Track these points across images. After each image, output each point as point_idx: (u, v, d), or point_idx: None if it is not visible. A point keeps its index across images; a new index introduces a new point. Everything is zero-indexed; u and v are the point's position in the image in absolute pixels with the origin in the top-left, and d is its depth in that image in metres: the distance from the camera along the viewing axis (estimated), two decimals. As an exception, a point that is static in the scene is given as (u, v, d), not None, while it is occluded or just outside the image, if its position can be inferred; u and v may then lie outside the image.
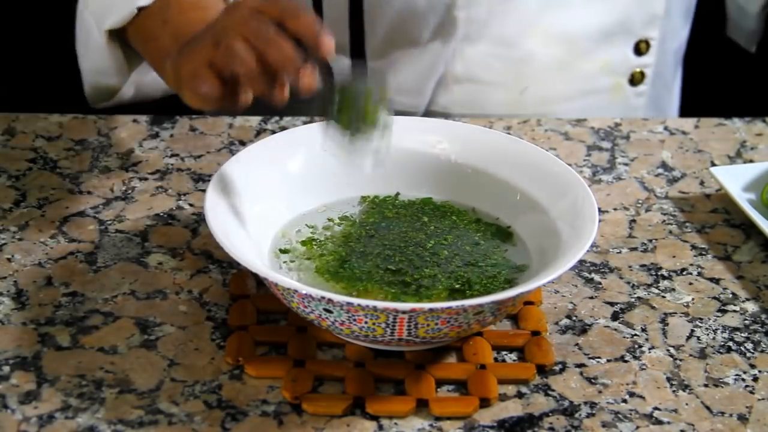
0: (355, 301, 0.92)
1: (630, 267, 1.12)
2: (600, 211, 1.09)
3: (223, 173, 1.05)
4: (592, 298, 1.09)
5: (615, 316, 1.07)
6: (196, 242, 1.12)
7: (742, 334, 1.05)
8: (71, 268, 1.09)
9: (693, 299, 1.09)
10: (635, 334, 1.05)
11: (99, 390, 0.97)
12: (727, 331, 1.06)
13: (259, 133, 1.28)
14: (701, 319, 1.07)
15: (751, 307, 1.08)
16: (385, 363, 1.00)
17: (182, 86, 1.01)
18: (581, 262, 1.11)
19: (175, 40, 1.06)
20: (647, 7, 1.37)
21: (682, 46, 1.48)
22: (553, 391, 0.99)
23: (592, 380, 1.00)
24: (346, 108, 0.99)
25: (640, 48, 1.39)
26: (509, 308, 1.00)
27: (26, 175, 1.20)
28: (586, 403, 0.98)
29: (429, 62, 1.35)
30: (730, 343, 1.04)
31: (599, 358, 1.02)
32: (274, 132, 1.25)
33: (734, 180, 1.19)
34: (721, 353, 1.03)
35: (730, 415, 0.98)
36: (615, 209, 1.20)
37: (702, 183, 1.24)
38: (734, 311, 1.08)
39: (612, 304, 1.08)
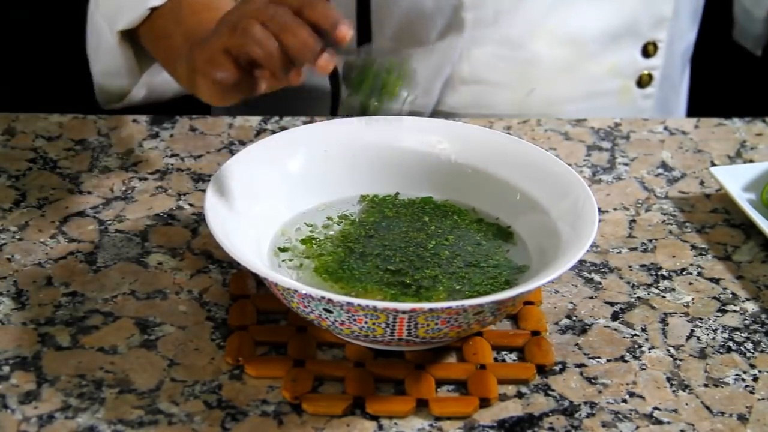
0: (355, 301, 0.92)
1: (630, 267, 1.12)
2: (600, 211, 1.09)
3: (223, 173, 1.05)
4: (592, 298, 1.09)
5: (615, 316, 1.07)
6: (196, 242, 1.12)
7: (742, 334, 1.05)
8: (71, 268, 1.09)
9: (693, 299, 1.09)
10: (635, 334, 1.05)
11: (99, 390, 0.97)
12: (727, 331, 1.06)
13: (259, 133, 1.28)
14: (701, 319, 1.07)
15: (751, 307, 1.08)
16: (385, 363, 1.00)
17: (197, 76, 1.00)
18: (581, 262, 1.11)
19: (188, 41, 1.06)
20: (655, 9, 1.37)
21: (689, 48, 1.48)
22: (553, 391, 0.99)
23: (592, 380, 1.00)
24: (366, 79, 1.00)
25: (648, 50, 1.39)
26: (509, 308, 1.00)
27: (26, 175, 1.20)
28: (586, 403, 0.98)
29: (436, 63, 1.35)
30: (730, 343, 1.04)
31: (599, 358, 1.02)
32: (274, 132, 1.25)
33: (734, 180, 1.19)
34: (721, 353, 1.03)
35: (730, 415, 0.98)
36: (615, 209, 1.20)
37: (702, 183, 1.24)
38: (734, 311, 1.08)
39: (612, 304, 1.08)
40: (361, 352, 1.00)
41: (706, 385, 1.00)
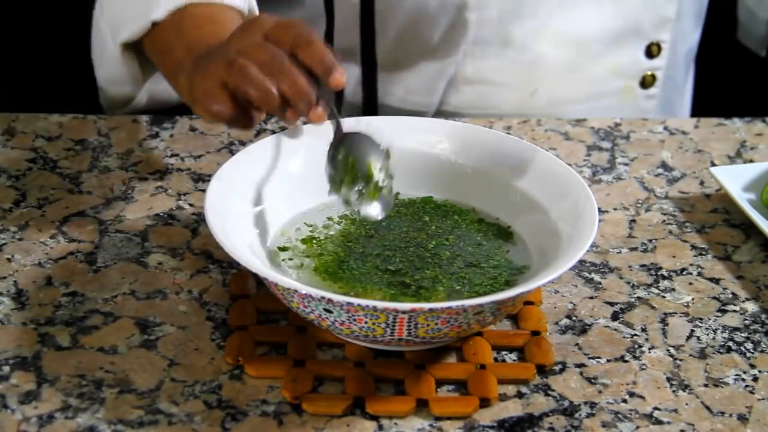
0: (355, 301, 0.92)
1: (630, 267, 1.12)
2: (600, 211, 1.09)
3: (223, 173, 1.05)
4: (592, 298, 1.09)
5: (615, 316, 1.07)
6: (196, 242, 1.12)
7: (742, 334, 1.05)
8: (71, 268, 1.09)
9: (693, 299, 1.09)
10: (635, 334, 1.05)
11: (99, 390, 0.97)
12: (727, 331, 1.06)
13: (259, 133, 1.28)
14: (701, 319, 1.07)
15: (751, 307, 1.08)
16: (385, 363, 1.00)
17: (195, 103, 1.03)
18: (581, 262, 1.11)
19: (190, 53, 1.07)
20: (658, 10, 1.37)
21: (693, 48, 1.48)
22: (553, 391, 0.99)
23: (592, 380, 1.00)
24: (348, 180, 1.02)
25: (652, 51, 1.39)
26: (509, 308, 1.00)
27: (26, 175, 1.20)
28: (586, 403, 0.98)
29: (439, 64, 1.35)
30: (730, 343, 1.04)
31: (599, 358, 1.02)
32: (274, 132, 1.25)
33: (734, 180, 1.19)
34: (721, 353, 1.03)
35: (730, 415, 0.98)
36: (615, 209, 1.20)
37: (702, 183, 1.24)
38: (734, 311, 1.08)
39: (612, 304, 1.08)
40: (361, 352, 1.00)
41: (706, 385, 1.00)
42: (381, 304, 0.92)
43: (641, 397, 0.99)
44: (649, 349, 1.03)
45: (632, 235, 1.16)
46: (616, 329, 1.05)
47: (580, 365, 1.01)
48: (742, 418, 0.97)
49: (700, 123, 1.33)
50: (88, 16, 1.27)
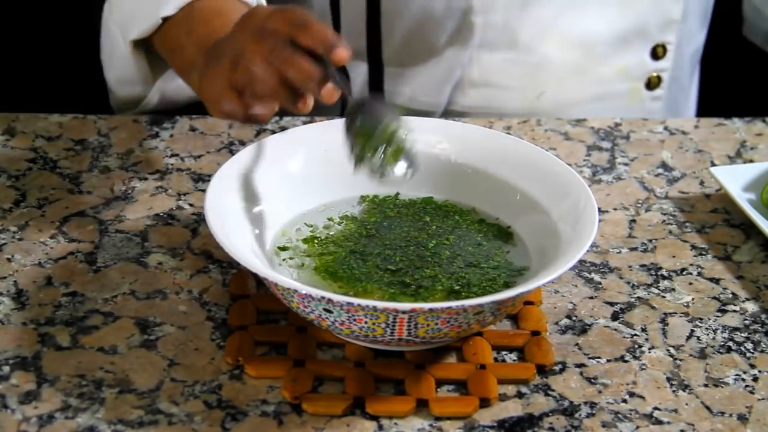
0: (355, 301, 0.92)
1: (630, 267, 1.12)
2: (600, 211, 1.09)
3: (223, 173, 1.05)
4: (592, 298, 1.09)
5: (615, 316, 1.07)
6: (196, 242, 1.12)
7: (742, 334, 1.05)
8: (71, 268, 1.09)
9: (693, 299, 1.09)
10: (635, 334, 1.05)
11: (99, 390, 0.97)
12: (727, 331, 1.06)
13: (259, 133, 1.28)
14: (701, 319, 1.07)
15: (751, 307, 1.08)
16: (385, 363, 1.00)
17: (207, 104, 1.05)
18: (581, 262, 1.11)
19: (200, 49, 1.08)
20: (664, 12, 1.37)
21: (698, 49, 1.48)
22: (553, 391, 0.99)
23: (592, 380, 1.00)
24: (369, 146, 1.00)
25: (657, 52, 1.39)
26: (509, 308, 1.00)
27: (26, 175, 1.20)
28: (586, 403, 0.98)
29: (445, 67, 1.35)
30: (730, 343, 1.04)
31: (599, 358, 1.02)
32: (274, 132, 1.25)
33: (734, 180, 1.19)
34: (721, 353, 1.03)
35: (730, 415, 0.98)
36: (615, 209, 1.20)
37: (702, 183, 1.24)
38: (734, 311, 1.08)
39: (612, 304, 1.08)
40: (361, 352, 1.01)
41: (706, 385, 1.00)
42: (381, 304, 0.92)
43: (641, 397, 0.99)
44: (649, 349, 1.03)
45: (632, 235, 1.16)
46: (616, 329, 1.05)
47: (580, 365, 1.01)
48: (742, 418, 0.97)
49: (700, 123, 1.33)
50: (88, 16, 1.27)
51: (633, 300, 1.08)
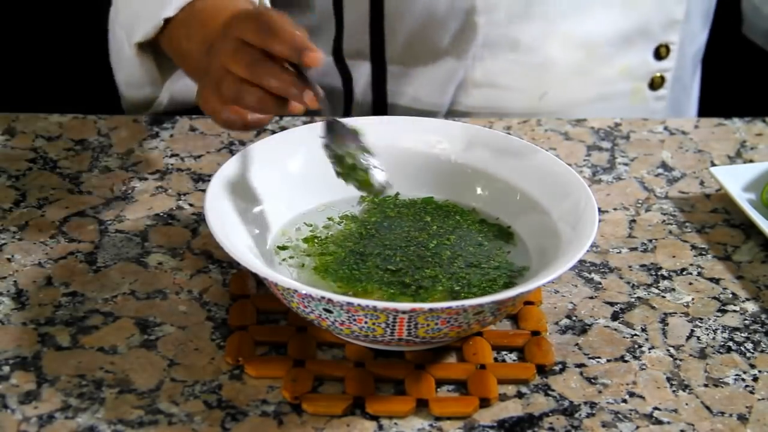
0: (355, 301, 0.92)
1: (630, 267, 1.12)
2: (600, 211, 1.09)
3: (223, 173, 1.05)
4: (592, 298, 1.09)
5: (615, 316, 1.07)
6: (196, 242, 1.12)
7: (742, 334, 1.05)
8: (71, 268, 1.09)
9: (693, 299, 1.09)
10: (635, 334, 1.05)
11: (99, 390, 0.97)
12: (727, 331, 1.06)
13: (259, 133, 1.28)
14: (701, 319, 1.07)
15: (751, 307, 1.08)
16: (385, 363, 1.00)
17: (210, 117, 1.07)
18: (581, 262, 1.11)
19: (201, 55, 1.08)
20: (667, 12, 1.37)
21: (701, 49, 1.48)
22: (553, 391, 0.99)
23: (592, 380, 1.00)
24: (346, 176, 1.03)
25: (660, 52, 1.39)
26: (509, 308, 1.00)
27: (26, 175, 1.20)
28: (586, 403, 0.98)
29: (449, 68, 1.35)
30: (730, 343, 1.04)
31: (599, 358, 1.02)
32: (274, 132, 1.25)
33: (734, 180, 1.19)
34: (721, 353, 1.03)
35: (730, 415, 0.98)
36: (615, 209, 1.20)
37: (702, 183, 1.24)
38: (734, 311, 1.08)
39: (612, 304, 1.08)
40: (361, 352, 1.00)
41: (706, 385, 1.00)
42: (381, 304, 0.92)
43: (641, 397, 0.99)
44: (649, 349, 1.03)
45: (632, 235, 1.16)
46: (616, 329, 1.05)
47: (580, 365, 1.01)
48: (742, 418, 0.97)
49: (700, 123, 1.33)
50: (89, 16, 1.27)
51: (633, 300, 1.08)
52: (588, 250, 1.02)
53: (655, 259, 1.13)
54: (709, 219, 1.19)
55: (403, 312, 0.92)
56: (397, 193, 1.12)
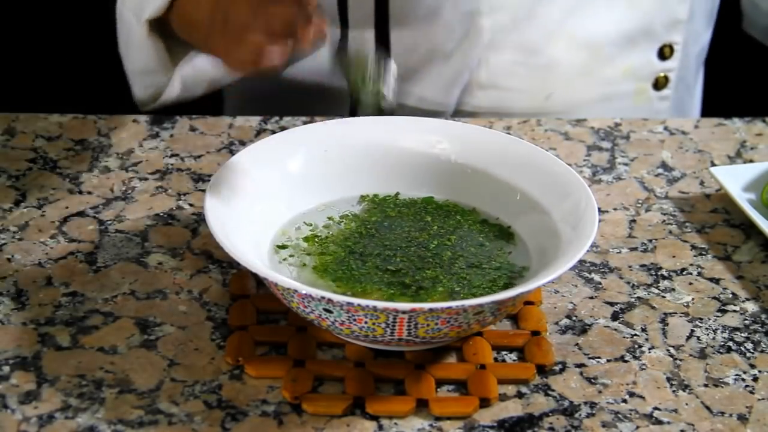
0: (355, 301, 0.92)
1: (630, 267, 1.12)
2: (600, 211, 1.09)
3: (223, 173, 1.05)
4: (592, 298, 1.09)
5: (615, 316, 1.07)
6: (196, 242, 1.12)
7: (742, 334, 1.05)
8: (71, 268, 1.09)
9: (693, 299, 1.09)
10: (635, 334, 1.05)
11: (99, 390, 0.97)
12: (727, 331, 1.06)
13: (259, 133, 1.28)
14: (701, 319, 1.07)
15: (751, 307, 1.08)
16: (385, 363, 1.00)
17: (224, 60, 1.04)
18: (581, 262, 1.11)
19: (213, 22, 1.07)
20: (670, 12, 1.37)
21: (704, 49, 1.48)
22: (553, 391, 0.99)
23: (592, 380, 1.00)
24: (361, 74, 1.04)
25: (664, 52, 1.39)
26: (509, 308, 1.00)
27: (26, 175, 1.20)
28: (586, 403, 0.98)
29: (453, 70, 1.35)
30: (730, 343, 1.04)
31: (599, 358, 1.02)
32: (274, 132, 1.25)
33: (734, 180, 1.19)
34: (721, 353, 1.03)
35: (730, 415, 0.98)
36: (615, 209, 1.20)
37: (702, 183, 1.24)
38: (734, 311, 1.08)
39: (612, 304, 1.08)
40: (361, 352, 1.00)
41: (706, 385, 1.00)
42: (381, 304, 0.92)
43: (641, 397, 0.99)
44: (649, 349, 1.03)
45: (632, 235, 1.16)
46: (616, 329, 1.05)
47: (580, 365, 1.01)
48: (742, 418, 0.97)
49: (700, 123, 1.33)
50: (89, 16, 1.27)
51: (633, 300, 1.08)
52: (588, 250, 1.02)
53: (655, 259, 1.13)
54: (709, 219, 1.19)
55: (403, 312, 0.92)
56: (397, 193, 1.12)
